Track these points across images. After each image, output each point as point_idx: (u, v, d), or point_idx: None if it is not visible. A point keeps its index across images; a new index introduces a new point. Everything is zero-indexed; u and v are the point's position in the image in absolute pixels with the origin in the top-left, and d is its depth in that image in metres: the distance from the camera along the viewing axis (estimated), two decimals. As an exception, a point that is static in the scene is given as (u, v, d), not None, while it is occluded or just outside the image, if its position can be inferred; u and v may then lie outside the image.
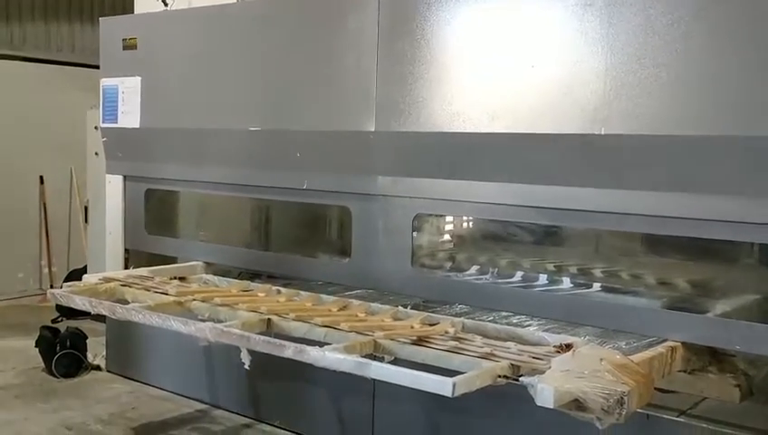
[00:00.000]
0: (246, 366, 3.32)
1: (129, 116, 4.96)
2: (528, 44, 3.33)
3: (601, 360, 2.66)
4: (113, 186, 5.60)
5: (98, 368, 5.46)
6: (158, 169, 4.96)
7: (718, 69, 2.87)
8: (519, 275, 4.01)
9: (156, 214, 5.21)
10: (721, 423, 3.14)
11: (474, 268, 4.20)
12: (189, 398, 4.92)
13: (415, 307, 3.78)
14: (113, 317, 3.74)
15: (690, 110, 2.94)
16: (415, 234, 3.88)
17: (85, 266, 6.80)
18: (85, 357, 5.46)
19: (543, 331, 3.37)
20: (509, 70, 3.38)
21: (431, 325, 3.41)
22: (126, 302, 3.91)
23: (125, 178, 5.26)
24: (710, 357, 3.22)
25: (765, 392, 3.22)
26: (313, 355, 2.90)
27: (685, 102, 2.95)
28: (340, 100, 3.97)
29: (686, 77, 2.92)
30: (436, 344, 3.07)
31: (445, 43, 3.58)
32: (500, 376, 2.72)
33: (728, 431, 3.09)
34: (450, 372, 2.70)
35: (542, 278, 3.94)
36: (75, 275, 6.46)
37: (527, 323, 3.57)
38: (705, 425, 3.16)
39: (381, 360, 3.05)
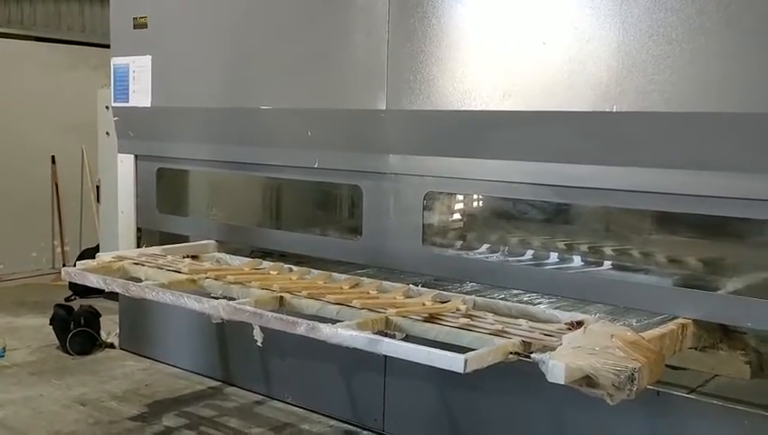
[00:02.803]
0: (259, 343, 3.35)
1: (140, 95, 4.97)
2: (539, 21, 3.31)
3: (612, 337, 2.67)
4: (125, 165, 5.61)
5: (111, 346, 5.52)
6: (170, 148, 4.98)
7: (732, 45, 2.84)
8: (530, 253, 4.01)
9: (167, 193, 5.23)
10: (732, 400, 3.14)
11: (485, 246, 4.19)
12: (202, 375, 4.97)
13: (426, 285, 3.79)
14: (127, 295, 3.76)
15: (703, 87, 2.92)
16: (426, 212, 3.88)
17: (98, 245, 6.85)
18: (99, 335, 5.51)
19: (554, 308, 3.38)
20: (520, 47, 3.36)
21: (443, 303, 3.42)
22: (139, 280, 3.93)
23: (136, 157, 5.28)
24: (721, 334, 3.22)
25: (776, 369, 3.22)
26: (326, 332, 2.92)
27: (698, 79, 2.92)
28: (351, 78, 3.96)
29: (700, 54, 2.90)
30: (448, 321, 3.08)
31: (456, 21, 3.56)
32: (511, 353, 2.74)
33: (739, 408, 3.09)
34: (462, 349, 2.72)
35: (553, 256, 3.94)
36: (88, 253, 6.51)
37: (538, 300, 3.58)
38: (715, 402, 3.16)
39: (393, 337, 3.07)
